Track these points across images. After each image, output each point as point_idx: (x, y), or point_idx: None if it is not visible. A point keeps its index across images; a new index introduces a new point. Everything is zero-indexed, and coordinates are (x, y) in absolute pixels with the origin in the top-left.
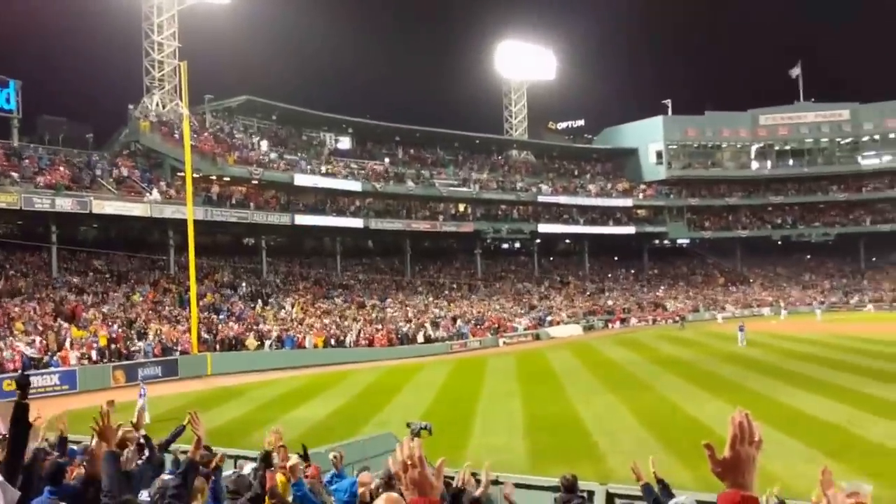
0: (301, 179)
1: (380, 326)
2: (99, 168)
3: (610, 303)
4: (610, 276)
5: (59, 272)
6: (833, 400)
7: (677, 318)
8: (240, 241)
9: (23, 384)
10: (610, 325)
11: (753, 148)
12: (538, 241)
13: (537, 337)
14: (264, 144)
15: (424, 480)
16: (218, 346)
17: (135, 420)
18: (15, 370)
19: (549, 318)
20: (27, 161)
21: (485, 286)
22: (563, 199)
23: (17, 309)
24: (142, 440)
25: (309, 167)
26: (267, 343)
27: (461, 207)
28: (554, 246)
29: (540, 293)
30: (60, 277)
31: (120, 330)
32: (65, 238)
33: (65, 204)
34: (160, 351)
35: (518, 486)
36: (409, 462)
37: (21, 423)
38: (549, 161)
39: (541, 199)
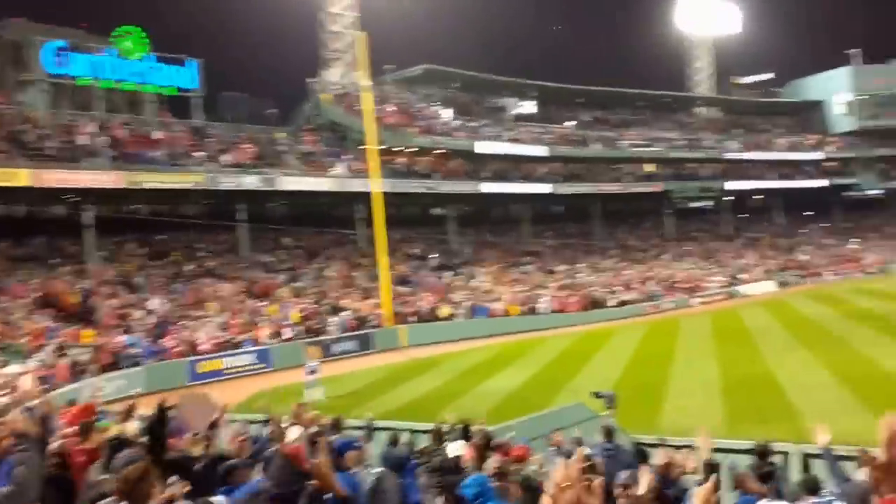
0: (485, 147)
1: (572, 292)
2: (283, 144)
3: (803, 258)
4: (802, 231)
5: (250, 251)
6: None
7: (882, 267)
8: (427, 211)
9: None
10: (804, 281)
11: None
12: (728, 198)
13: (731, 295)
14: (447, 113)
15: (579, 501)
16: (411, 318)
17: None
18: (209, 352)
19: (741, 276)
20: (211, 140)
21: (676, 246)
22: (751, 155)
23: (209, 289)
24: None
25: (493, 134)
26: (459, 313)
27: (648, 168)
28: (744, 203)
29: (732, 251)
30: (251, 256)
31: (312, 306)
32: (253, 216)
33: (251, 181)
34: (354, 325)
35: (716, 450)
36: (566, 484)
37: None
38: (735, 117)
39: (728, 155)
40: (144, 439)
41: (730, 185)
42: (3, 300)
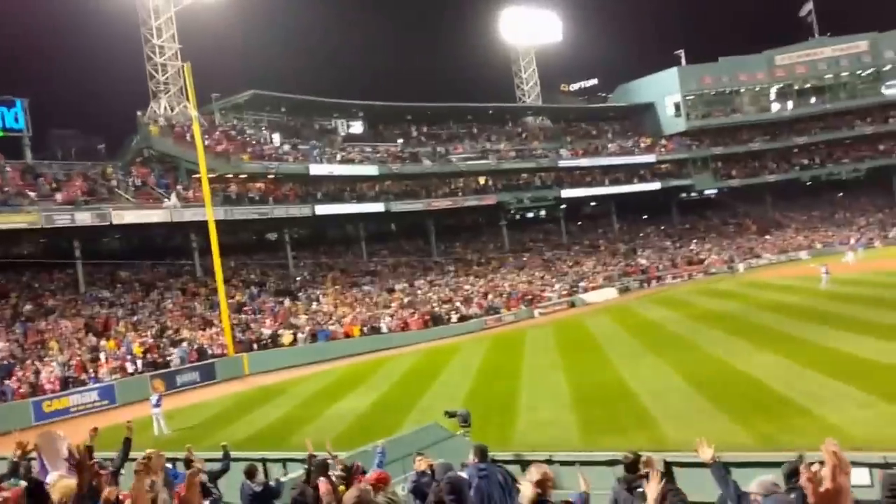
0: (317, 169)
1: (412, 310)
2: (114, 178)
3: (643, 262)
4: (641, 235)
5: (87, 287)
6: (887, 340)
7: (728, 266)
8: (263, 237)
9: None
10: (645, 286)
11: (772, 90)
12: (563, 206)
13: (572, 304)
14: (276, 137)
15: None
16: (254, 346)
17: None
18: (53, 391)
19: (582, 284)
20: (42, 179)
21: (514, 258)
22: (584, 162)
23: (49, 328)
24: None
25: (324, 156)
26: (301, 337)
27: (481, 180)
28: (580, 210)
29: (571, 259)
30: (89, 292)
31: (153, 339)
32: (89, 252)
33: (85, 218)
34: (196, 356)
35: (578, 463)
36: None
37: None
38: (566, 124)
39: (561, 163)
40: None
41: (565, 193)
42: None
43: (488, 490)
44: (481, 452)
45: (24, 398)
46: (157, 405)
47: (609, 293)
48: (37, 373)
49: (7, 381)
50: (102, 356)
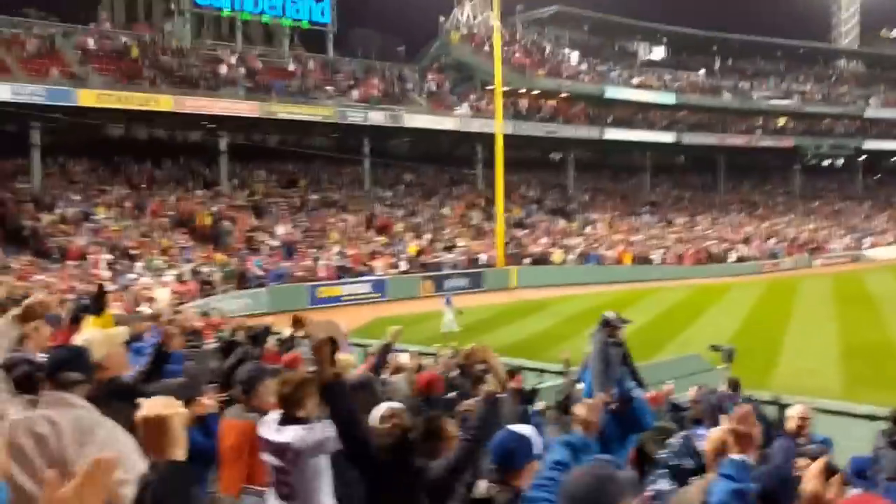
0: (612, 92)
1: (689, 245)
2: (410, 82)
3: None
4: None
5: (371, 185)
6: None
7: None
8: (546, 155)
9: None
10: None
11: None
12: (863, 158)
13: (856, 259)
14: (575, 56)
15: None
16: (525, 260)
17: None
18: (329, 279)
19: (869, 239)
20: (341, 75)
21: (802, 205)
22: (893, 114)
23: (331, 220)
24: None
25: (620, 79)
26: (570, 259)
27: (780, 122)
28: (880, 164)
29: (862, 213)
30: (372, 190)
31: (428, 243)
32: (376, 151)
33: (378, 118)
34: (467, 263)
35: (833, 412)
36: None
37: None
38: (881, 72)
39: (869, 113)
40: None
41: (867, 145)
42: (143, 218)
43: None
44: (734, 384)
45: (301, 282)
46: (449, 302)
47: None
48: (315, 259)
49: (286, 264)
50: (378, 252)
